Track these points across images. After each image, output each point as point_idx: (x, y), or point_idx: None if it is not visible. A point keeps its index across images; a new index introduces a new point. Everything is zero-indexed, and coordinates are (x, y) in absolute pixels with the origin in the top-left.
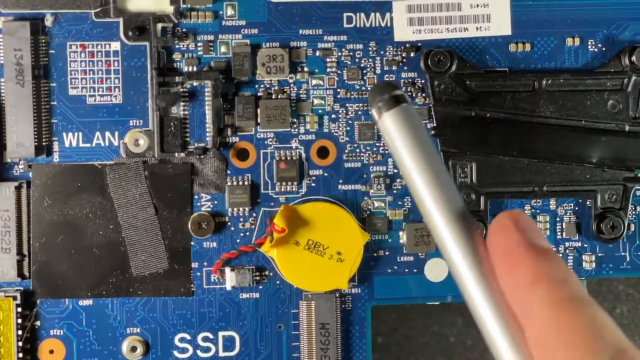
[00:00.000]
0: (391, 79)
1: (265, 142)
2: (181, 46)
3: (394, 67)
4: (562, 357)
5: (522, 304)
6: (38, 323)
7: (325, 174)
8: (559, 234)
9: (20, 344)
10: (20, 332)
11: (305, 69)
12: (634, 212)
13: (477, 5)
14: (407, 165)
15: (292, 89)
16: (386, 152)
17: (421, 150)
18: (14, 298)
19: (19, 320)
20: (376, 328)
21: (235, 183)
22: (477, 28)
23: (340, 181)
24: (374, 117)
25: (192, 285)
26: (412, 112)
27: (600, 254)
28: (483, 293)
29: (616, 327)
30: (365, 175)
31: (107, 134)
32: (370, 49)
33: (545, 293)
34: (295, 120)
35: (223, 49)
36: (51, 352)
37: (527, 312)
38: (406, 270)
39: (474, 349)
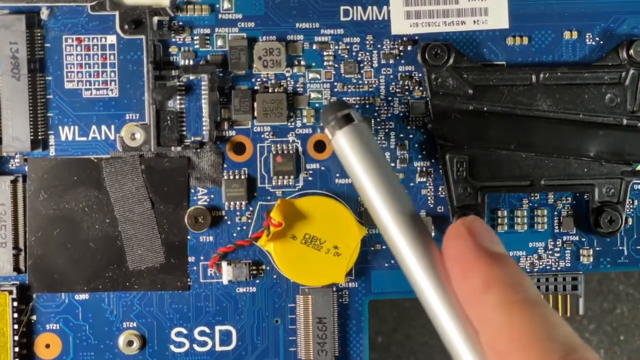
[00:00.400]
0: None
1: (262, 136)
2: (177, 39)
3: (391, 61)
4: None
5: (476, 309)
6: (34, 317)
7: (322, 168)
8: (557, 227)
9: (16, 338)
10: (16, 327)
11: (302, 62)
12: (631, 206)
13: None
14: (360, 179)
15: (288, 83)
16: (383, 146)
17: (373, 164)
18: (10, 292)
19: (15, 315)
20: (376, 327)
21: (231, 177)
22: (474, 21)
23: (337, 175)
24: (328, 136)
25: (188, 280)
26: (363, 129)
27: (598, 248)
28: (438, 299)
29: (568, 327)
30: None
31: (103, 127)
32: (367, 42)
33: (497, 297)
34: (292, 114)
35: (219, 42)
36: (47, 346)
37: (480, 316)
38: None
39: None
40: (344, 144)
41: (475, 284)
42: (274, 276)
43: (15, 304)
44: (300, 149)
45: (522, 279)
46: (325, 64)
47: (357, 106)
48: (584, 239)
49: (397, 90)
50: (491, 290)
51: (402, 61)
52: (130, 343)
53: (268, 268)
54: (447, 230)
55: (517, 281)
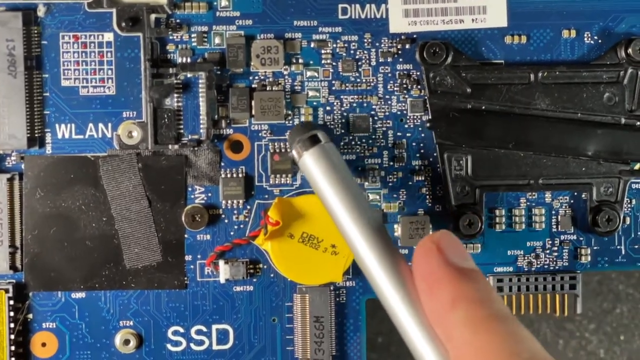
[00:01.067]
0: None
1: (260, 134)
2: (175, 37)
3: (389, 59)
4: None
5: (443, 325)
6: (30, 316)
7: None
8: (555, 227)
9: (12, 337)
10: (12, 325)
11: (300, 60)
12: (629, 205)
13: None
14: (327, 199)
15: (286, 81)
16: (381, 144)
17: (339, 184)
18: (6, 291)
19: (11, 313)
20: (376, 327)
21: (229, 175)
22: (472, 20)
23: None
24: (295, 157)
25: (185, 278)
26: (329, 150)
27: (595, 247)
28: (408, 317)
29: (534, 342)
30: (360, 168)
31: (100, 125)
32: (365, 40)
33: (464, 313)
34: (290, 112)
35: (217, 40)
36: (43, 345)
37: (448, 333)
38: None
39: None
40: (310, 165)
41: (442, 300)
42: (271, 275)
43: (11, 302)
44: None
45: (489, 294)
46: (323, 62)
47: (354, 104)
48: (581, 238)
49: (395, 88)
50: (458, 307)
51: (401, 59)
52: (127, 342)
53: (265, 267)
54: (416, 245)
55: (484, 297)
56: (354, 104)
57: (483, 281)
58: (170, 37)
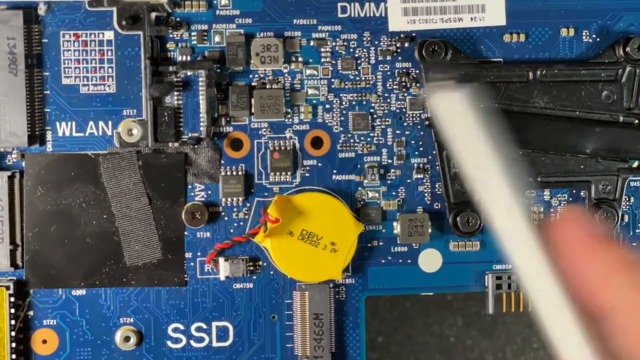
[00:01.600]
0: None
1: (259, 132)
2: (175, 35)
3: (389, 57)
4: None
5: (602, 291)
6: (31, 313)
7: (319, 164)
8: None
9: (13, 333)
10: (13, 322)
11: (300, 58)
12: (627, 203)
13: None
14: (473, 144)
15: (286, 79)
16: (380, 142)
17: (489, 131)
18: (7, 288)
19: (12, 310)
20: (376, 327)
21: (229, 173)
22: (471, 18)
23: (334, 171)
24: (437, 99)
25: (185, 275)
26: (476, 96)
27: None
28: (554, 285)
29: None
30: (359, 166)
31: (101, 123)
32: (364, 39)
33: (626, 277)
34: (290, 110)
35: (217, 38)
36: (44, 342)
37: (608, 298)
38: (400, 260)
39: (474, 349)
40: (452, 108)
41: (599, 266)
42: (271, 272)
43: (12, 299)
44: (297, 145)
45: None
46: (322, 60)
47: (353, 102)
48: None
49: (394, 86)
50: (618, 272)
51: (399, 58)
52: (127, 339)
53: (265, 264)
54: (562, 213)
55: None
56: (353, 102)
57: (629, 249)
58: (171, 36)
